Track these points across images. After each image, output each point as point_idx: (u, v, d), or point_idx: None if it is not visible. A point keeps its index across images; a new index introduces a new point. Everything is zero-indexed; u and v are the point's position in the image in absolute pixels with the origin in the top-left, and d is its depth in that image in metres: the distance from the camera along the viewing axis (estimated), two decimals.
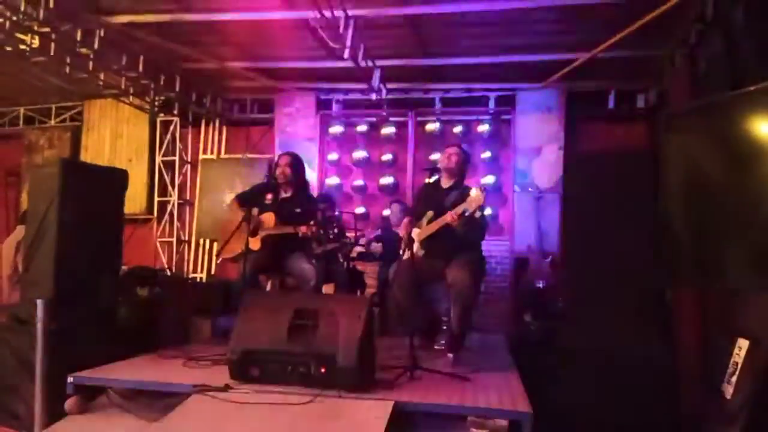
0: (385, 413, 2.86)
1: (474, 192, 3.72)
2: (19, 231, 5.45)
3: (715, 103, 3.31)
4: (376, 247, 6.22)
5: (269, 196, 4.64)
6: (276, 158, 4.86)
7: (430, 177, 4.33)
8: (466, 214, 3.73)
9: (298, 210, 4.49)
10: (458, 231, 3.85)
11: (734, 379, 2.97)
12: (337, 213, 6.61)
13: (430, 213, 4.22)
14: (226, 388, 3.18)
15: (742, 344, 2.99)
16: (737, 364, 2.98)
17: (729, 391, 2.98)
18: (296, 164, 4.71)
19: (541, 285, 5.89)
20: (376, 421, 2.79)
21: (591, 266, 3.61)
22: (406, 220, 4.40)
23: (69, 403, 3.41)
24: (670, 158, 3.48)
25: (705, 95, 3.83)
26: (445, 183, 4.31)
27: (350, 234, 6.10)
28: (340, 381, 3.10)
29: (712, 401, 3.11)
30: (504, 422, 2.88)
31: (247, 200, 4.64)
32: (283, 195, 4.67)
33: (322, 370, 3.14)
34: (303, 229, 4.25)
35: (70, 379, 3.43)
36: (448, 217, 3.84)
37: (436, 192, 4.29)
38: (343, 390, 3.08)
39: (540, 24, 5.55)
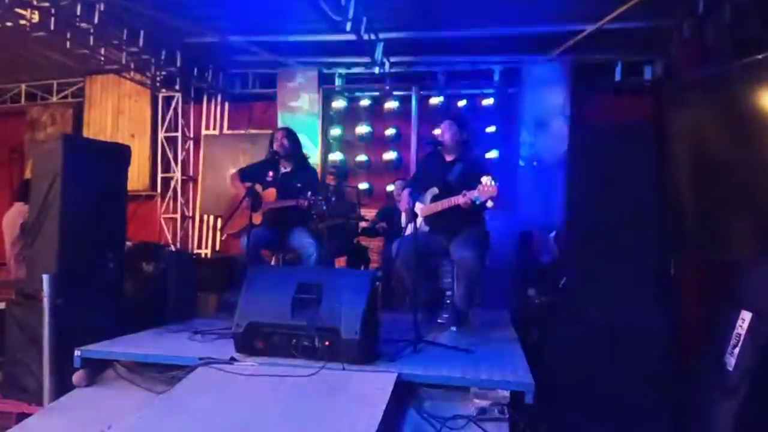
0: (389, 385, 2.88)
1: (487, 181, 3.67)
2: (16, 208, 5.42)
3: (720, 74, 3.28)
4: (381, 225, 6.22)
5: (270, 173, 4.68)
6: (272, 133, 4.89)
7: (433, 151, 4.32)
8: (477, 203, 3.72)
9: (299, 184, 4.54)
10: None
11: (737, 350, 2.98)
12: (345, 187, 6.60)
13: (434, 189, 4.20)
14: (231, 360, 3.21)
15: (745, 316, 2.99)
16: (740, 336, 2.99)
17: (731, 362, 2.99)
18: (292, 137, 4.76)
19: (545, 259, 5.89)
20: (380, 392, 2.81)
21: (595, 238, 3.59)
22: (405, 191, 4.37)
23: (76, 376, 3.45)
24: (675, 129, 3.45)
25: (712, 67, 3.78)
26: (448, 156, 4.29)
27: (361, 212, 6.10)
28: (344, 354, 3.12)
29: (714, 373, 3.12)
30: (506, 393, 2.89)
31: (248, 175, 4.67)
32: (283, 170, 4.71)
33: (326, 343, 3.15)
34: (302, 200, 4.29)
35: (77, 353, 3.46)
36: (461, 201, 3.83)
37: (439, 164, 4.27)
38: (347, 362, 3.10)
39: None
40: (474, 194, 3.71)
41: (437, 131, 6.90)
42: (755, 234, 3.06)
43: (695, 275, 4.26)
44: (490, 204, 3.76)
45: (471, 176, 3.86)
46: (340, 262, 5.67)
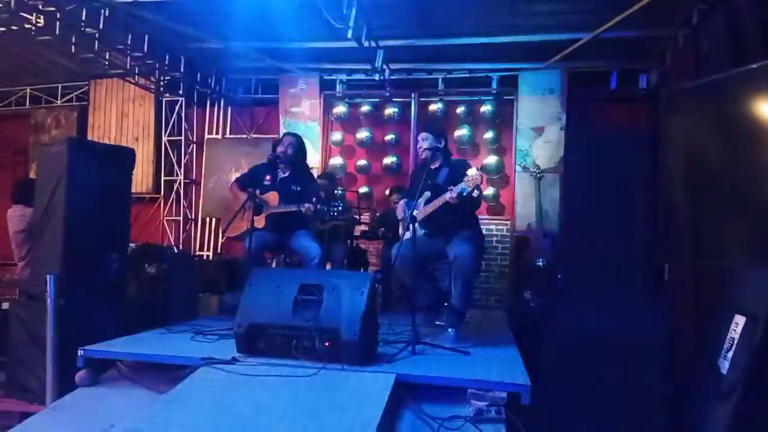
0: (387, 386, 2.91)
1: (471, 172, 3.76)
2: (17, 211, 5.37)
3: (715, 81, 3.32)
4: (382, 230, 6.27)
5: (268, 177, 4.72)
6: (280, 136, 4.93)
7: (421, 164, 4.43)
8: (464, 194, 3.79)
9: (297, 188, 4.59)
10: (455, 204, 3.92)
11: (730, 354, 3.00)
12: (339, 191, 6.67)
13: (427, 194, 4.28)
14: (233, 360, 3.24)
15: (739, 320, 3.02)
16: (733, 340, 3.02)
17: (725, 366, 3.02)
18: (298, 146, 4.80)
19: (541, 263, 5.94)
20: (379, 393, 2.84)
21: (590, 243, 3.65)
22: (401, 203, 4.49)
23: (79, 376, 3.48)
24: (671, 136, 3.50)
25: (707, 75, 3.84)
26: (433, 164, 4.38)
27: (355, 213, 6.16)
28: (343, 354, 3.16)
29: (708, 377, 3.15)
30: (503, 394, 2.92)
31: (247, 182, 4.72)
32: (281, 175, 4.75)
33: (326, 344, 3.19)
34: (306, 206, 4.32)
35: (80, 353, 3.47)
36: (447, 196, 3.89)
37: (427, 173, 4.36)
38: (347, 363, 3.14)
39: (543, 3, 5.53)
40: (460, 186, 3.77)
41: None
42: (749, 240, 3.10)
43: (690, 280, 4.31)
44: (476, 193, 3.80)
45: (457, 175, 3.94)
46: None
